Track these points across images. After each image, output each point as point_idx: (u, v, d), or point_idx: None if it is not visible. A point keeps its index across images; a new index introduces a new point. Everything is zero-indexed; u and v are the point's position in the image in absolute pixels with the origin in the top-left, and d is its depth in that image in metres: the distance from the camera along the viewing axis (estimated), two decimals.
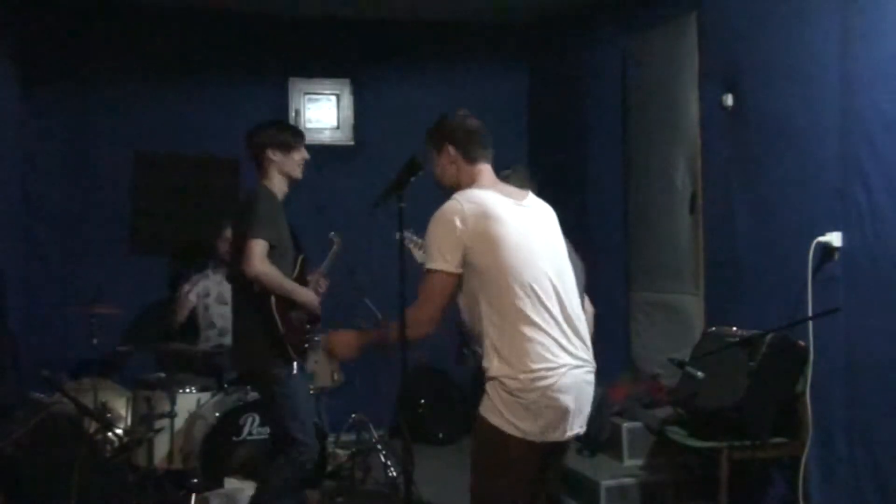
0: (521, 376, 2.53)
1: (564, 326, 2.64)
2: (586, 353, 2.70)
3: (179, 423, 4.58)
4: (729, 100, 4.51)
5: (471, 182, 2.78)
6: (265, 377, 3.71)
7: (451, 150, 2.83)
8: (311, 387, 4.96)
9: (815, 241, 3.86)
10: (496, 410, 2.56)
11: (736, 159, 4.51)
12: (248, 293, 3.65)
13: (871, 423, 3.68)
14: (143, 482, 4.33)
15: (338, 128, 6.49)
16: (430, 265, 2.62)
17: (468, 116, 2.91)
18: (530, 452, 2.58)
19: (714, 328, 4.37)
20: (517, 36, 6.81)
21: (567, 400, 2.57)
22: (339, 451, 5.30)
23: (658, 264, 5.29)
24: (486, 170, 2.84)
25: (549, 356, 2.56)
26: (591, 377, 2.69)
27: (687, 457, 4.30)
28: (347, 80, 6.48)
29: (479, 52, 6.73)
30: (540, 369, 2.53)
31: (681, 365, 4.13)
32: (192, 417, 4.62)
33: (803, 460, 3.87)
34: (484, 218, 2.62)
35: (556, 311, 2.63)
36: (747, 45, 4.43)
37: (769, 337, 3.77)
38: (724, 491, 3.78)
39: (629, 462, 4.68)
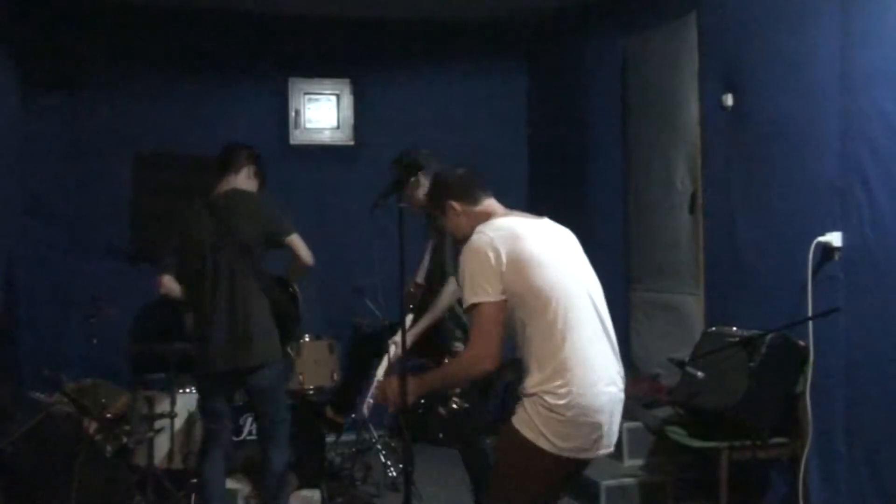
0: (561, 391, 2.53)
1: (604, 343, 2.67)
2: (620, 371, 2.72)
3: (179, 423, 4.59)
4: (729, 100, 4.51)
5: (485, 219, 2.79)
6: (276, 363, 3.85)
7: (455, 204, 2.85)
8: (311, 387, 4.97)
9: (815, 241, 3.86)
10: (532, 425, 2.56)
11: (736, 159, 4.51)
12: (266, 287, 3.82)
13: (871, 423, 3.68)
14: (143, 482, 4.33)
15: (338, 128, 6.49)
16: (474, 299, 2.59)
17: (453, 168, 2.95)
18: (558, 467, 2.60)
19: (714, 328, 4.37)
20: (517, 36, 6.80)
21: (603, 418, 2.59)
22: (339, 451, 5.30)
23: (658, 264, 5.29)
24: (493, 203, 2.87)
25: (588, 374, 2.57)
26: (623, 396, 2.70)
27: (687, 457, 4.30)
28: (347, 80, 6.48)
29: (478, 52, 6.72)
30: (580, 386, 2.55)
31: (681, 365, 4.12)
32: (192, 417, 4.62)
33: (803, 460, 3.87)
34: (513, 241, 2.62)
35: (595, 327, 2.66)
36: (747, 45, 4.43)
37: (769, 337, 3.76)
38: (724, 491, 3.78)
39: (629, 462, 4.68)
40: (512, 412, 2.64)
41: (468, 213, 2.83)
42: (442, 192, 2.89)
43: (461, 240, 2.86)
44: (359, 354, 4.96)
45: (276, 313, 3.87)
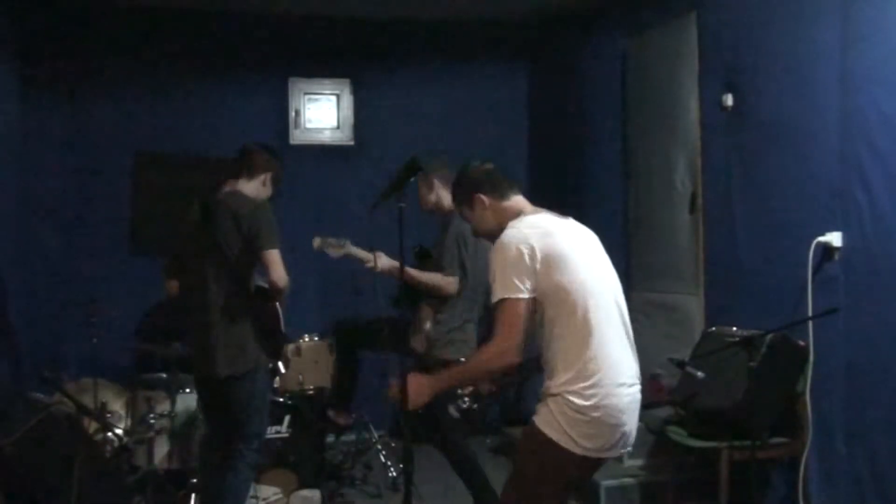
0: (588, 392, 2.54)
1: (626, 343, 2.67)
2: (638, 371, 2.72)
3: (179, 423, 4.58)
4: (729, 100, 4.51)
5: (514, 215, 2.78)
6: (248, 377, 3.72)
7: (483, 197, 2.84)
8: (311, 387, 4.97)
9: (815, 241, 3.86)
10: (557, 425, 2.56)
11: (736, 159, 4.51)
12: (245, 297, 3.73)
13: (871, 423, 3.68)
14: (143, 482, 4.33)
15: (338, 128, 6.50)
16: (505, 294, 2.58)
17: (481, 163, 2.93)
18: (582, 467, 2.61)
19: (714, 328, 4.37)
20: (517, 35, 6.80)
21: (625, 419, 2.60)
22: (339, 451, 5.31)
23: (658, 264, 5.28)
24: (521, 199, 2.86)
25: (613, 374, 2.58)
26: (640, 396, 2.71)
27: (687, 457, 4.30)
28: (347, 80, 6.49)
29: (479, 52, 6.72)
30: (606, 386, 2.55)
31: (681, 365, 4.12)
32: (192, 417, 4.62)
33: (803, 460, 3.87)
34: (546, 238, 2.62)
35: (619, 327, 2.66)
36: (747, 45, 4.43)
37: (769, 337, 3.76)
38: (724, 491, 3.78)
39: (629, 462, 4.67)
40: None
41: (495, 207, 2.82)
42: (470, 185, 2.87)
43: (483, 234, 2.86)
44: (347, 348, 4.96)
45: (259, 329, 3.74)
